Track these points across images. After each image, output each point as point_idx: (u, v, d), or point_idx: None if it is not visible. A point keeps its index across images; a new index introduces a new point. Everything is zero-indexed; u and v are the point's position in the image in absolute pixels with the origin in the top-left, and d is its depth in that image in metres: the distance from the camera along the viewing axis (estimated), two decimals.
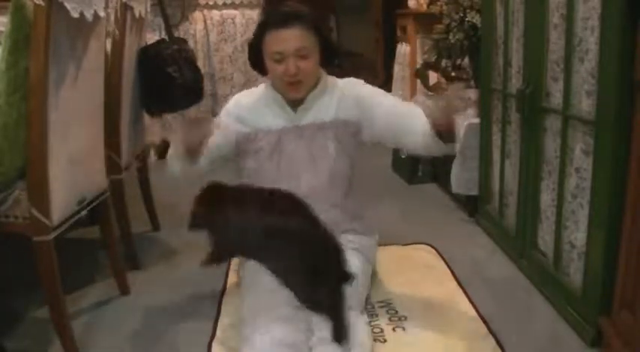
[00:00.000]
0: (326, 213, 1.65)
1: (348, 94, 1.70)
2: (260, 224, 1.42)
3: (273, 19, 1.58)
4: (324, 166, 1.67)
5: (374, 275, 1.92)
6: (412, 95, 3.62)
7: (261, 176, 1.67)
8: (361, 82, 1.77)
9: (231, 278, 1.98)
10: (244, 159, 1.73)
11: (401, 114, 1.69)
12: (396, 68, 4.00)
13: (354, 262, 1.64)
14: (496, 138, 2.32)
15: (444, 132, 1.54)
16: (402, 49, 3.88)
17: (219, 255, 1.54)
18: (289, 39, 1.55)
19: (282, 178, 1.65)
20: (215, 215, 1.45)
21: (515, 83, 2.06)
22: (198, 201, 1.46)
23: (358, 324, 1.46)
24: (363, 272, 1.67)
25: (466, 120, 2.52)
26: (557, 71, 1.76)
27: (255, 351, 1.38)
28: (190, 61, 2.29)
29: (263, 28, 1.60)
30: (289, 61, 1.56)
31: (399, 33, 4.01)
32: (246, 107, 1.72)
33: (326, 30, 1.65)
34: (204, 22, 3.69)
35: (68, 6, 1.39)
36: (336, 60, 1.71)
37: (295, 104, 1.68)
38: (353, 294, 1.54)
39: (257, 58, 1.66)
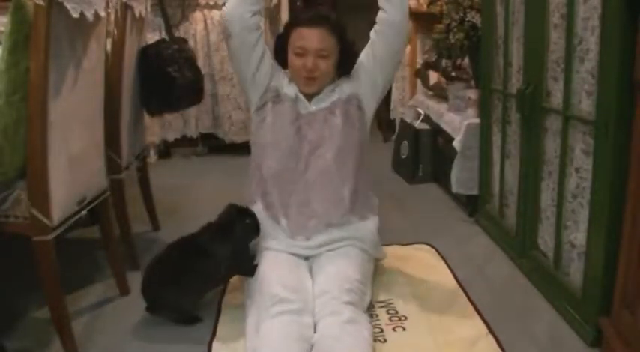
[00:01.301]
0: (333, 205, 1.74)
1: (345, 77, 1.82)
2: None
3: (302, 17, 1.75)
4: (332, 140, 1.75)
5: (374, 275, 1.92)
6: (412, 95, 3.62)
7: (272, 159, 1.76)
8: None
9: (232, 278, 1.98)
10: (257, 124, 1.82)
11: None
12: None
13: (350, 259, 1.66)
14: (496, 138, 2.32)
15: None
16: None
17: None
18: (313, 37, 1.70)
19: (295, 161, 1.74)
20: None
21: (515, 83, 2.06)
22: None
23: (358, 321, 1.47)
24: (362, 267, 1.68)
25: (466, 120, 2.52)
26: (557, 71, 1.76)
27: (264, 341, 1.40)
28: (190, 61, 2.29)
29: (292, 24, 1.76)
30: (309, 58, 1.69)
31: None
32: (278, 71, 1.83)
33: (348, 37, 1.78)
34: (204, 22, 3.69)
35: (68, 6, 1.39)
36: (350, 70, 1.82)
37: (309, 97, 1.79)
38: (353, 290, 1.55)
39: (281, 50, 1.78)
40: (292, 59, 1.74)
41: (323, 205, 1.72)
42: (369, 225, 1.80)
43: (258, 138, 1.82)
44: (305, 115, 1.77)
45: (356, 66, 1.81)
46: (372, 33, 1.79)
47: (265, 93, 1.79)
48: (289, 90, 1.79)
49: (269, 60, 1.79)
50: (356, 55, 1.82)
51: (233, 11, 1.70)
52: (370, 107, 1.84)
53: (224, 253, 1.65)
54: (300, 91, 1.78)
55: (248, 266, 1.69)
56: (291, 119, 1.76)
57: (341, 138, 1.74)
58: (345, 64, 1.80)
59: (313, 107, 1.78)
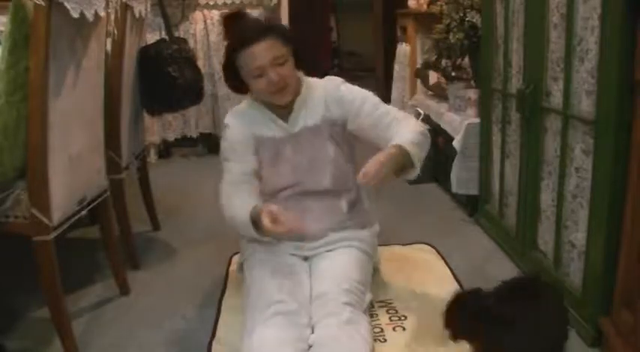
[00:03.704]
0: (330, 213, 1.71)
1: (334, 95, 1.72)
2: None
3: (241, 39, 1.60)
4: (325, 169, 1.70)
5: (374, 275, 1.92)
6: (412, 95, 3.62)
7: (267, 185, 1.71)
8: (340, 80, 1.76)
9: (231, 278, 1.98)
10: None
11: (384, 126, 1.69)
12: (396, 68, 4.00)
13: (349, 259, 1.66)
14: (496, 138, 2.32)
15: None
16: (402, 49, 3.88)
17: None
18: (263, 52, 1.57)
19: (286, 185, 1.70)
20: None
21: (515, 83, 2.06)
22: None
23: (356, 322, 1.47)
24: (361, 267, 1.68)
25: (466, 120, 2.52)
26: (557, 71, 1.76)
27: (256, 346, 1.39)
28: (190, 60, 2.29)
29: (235, 49, 1.61)
30: (270, 72, 1.58)
31: (399, 33, 4.01)
32: (242, 121, 1.73)
33: (291, 34, 1.68)
34: (204, 22, 3.69)
35: (68, 6, 1.39)
36: (309, 62, 1.74)
37: (284, 115, 1.70)
38: (352, 291, 1.55)
39: (236, 80, 1.67)
40: (254, 83, 1.62)
41: (320, 214, 1.71)
42: (368, 232, 1.80)
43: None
44: (287, 139, 1.69)
45: (352, 104, 1.70)
46: (374, 133, 1.68)
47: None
48: (262, 129, 1.70)
49: (253, 156, 1.71)
50: (306, 49, 1.73)
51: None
52: (357, 124, 1.73)
53: None
54: (273, 111, 1.69)
55: None
56: (274, 151, 1.69)
57: (334, 167, 1.70)
58: (302, 61, 1.70)
59: (295, 129, 1.69)
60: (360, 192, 1.80)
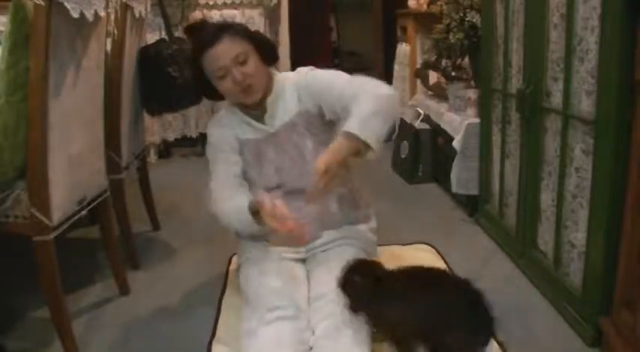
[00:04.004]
0: (320, 213, 1.68)
1: (302, 85, 1.68)
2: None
3: (200, 43, 1.60)
4: (307, 165, 1.65)
5: None
6: (412, 95, 3.62)
7: (253, 188, 1.69)
8: (309, 68, 1.72)
9: (231, 277, 1.98)
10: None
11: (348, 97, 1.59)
12: (396, 68, 4.00)
13: (346, 258, 1.65)
14: (496, 138, 2.32)
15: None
16: (402, 49, 3.88)
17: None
18: (222, 52, 1.57)
19: (271, 186, 1.68)
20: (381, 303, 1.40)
21: (515, 83, 2.06)
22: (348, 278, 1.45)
23: (355, 321, 1.46)
24: None
25: (466, 120, 2.52)
26: (557, 71, 1.76)
27: (257, 347, 1.39)
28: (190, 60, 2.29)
29: (196, 55, 1.61)
30: (232, 71, 1.57)
31: (399, 33, 4.01)
32: (221, 127, 1.73)
33: (253, 31, 1.67)
34: None
35: (68, 6, 1.39)
36: (276, 55, 1.71)
37: (259, 117, 1.68)
38: None
39: (206, 87, 1.66)
40: (220, 85, 1.60)
41: (310, 215, 1.67)
42: (364, 228, 1.78)
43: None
44: (266, 139, 1.67)
45: (319, 86, 1.64)
46: (338, 107, 1.58)
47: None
48: (240, 131, 1.69)
49: (238, 159, 1.71)
50: (271, 43, 1.71)
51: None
52: (331, 110, 1.66)
53: None
54: (247, 114, 1.68)
55: None
56: (253, 157, 1.69)
57: (315, 161, 1.60)
58: (268, 56, 1.67)
59: (271, 129, 1.67)
60: (351, 185, 1.77)
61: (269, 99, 1.66)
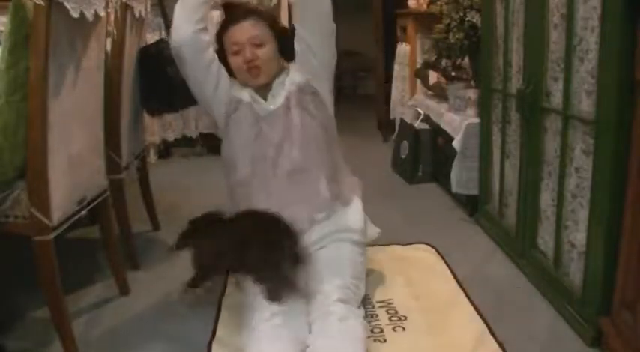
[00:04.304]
0: (311, 196, 1.71)
1: (292, 65, 1.77)
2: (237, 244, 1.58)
3: (227, 19, 1.73)
4: (294, 139, 1.70)
5: (374, 275, 1.92)
6: (412, 95, 3.62)
7: (243, 164, 1.72)
8: None
9: (231, 277, 1.98)
10: (226, 138, 1.77)
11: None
12: (396, 68, 4.00)
13: (341, 254, 1.65)
14: (496, 138, 2.32)
15: None
16: (402, 49, 3.88)
17: (202, 276, 1.64)
18: (242, 30, 1.69)
19: (262, 163, 1.70)
20: (202, 237, 1.62)
21: (515, 83, 2.06)
22: (189, 224, 1.65)
23: (350, 318, 1.47)
24: (354, 261, 1.67)
25: (466, 120, 2.52)
26: (557, 71, 1.76)
27: (256, 343, 1.40)
28: None
29: (222, 30, 1.73)
30: (246, 49, 1.68)
31: (399, 33, 4.01)
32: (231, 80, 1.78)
33: (279, 23, 1.79)
34: None
35: (68, 6, 1.40)
36: (293, 53, 1.75)
37: (264, 95, 1.74)
38: (346, 286, 1.55)
39: (225, 62, 1.74)
40: (232, 60, 1.71)
41: (302, 205, 1.69)
42: (354, 209, 1.77)
43: (224, 154, 1.78)
44: (265, 117, 1.72)
45: (297, 54, 1.75)
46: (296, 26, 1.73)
47: (228, 107, 1.75)
48: (245, 96, 1.74)
49: (225, 73, 1.76)
50: (292, 41, 1.76)
51: (181, 34, 1.68)
52: (324, 87, 1.76)
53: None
54: (256, 92, 1.74)
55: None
56: (249, 124, 1.71)
57: (301, 133, 1.70)
58: (286, 49, 1.75)
59: (271, 106, 1.72)
60: (334, 165, 1.78)
61: (276, 81, 1.74)
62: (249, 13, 1.72)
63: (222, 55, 1.74)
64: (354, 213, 1.77)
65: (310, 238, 1.69)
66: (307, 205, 1.69)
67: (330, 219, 1.71)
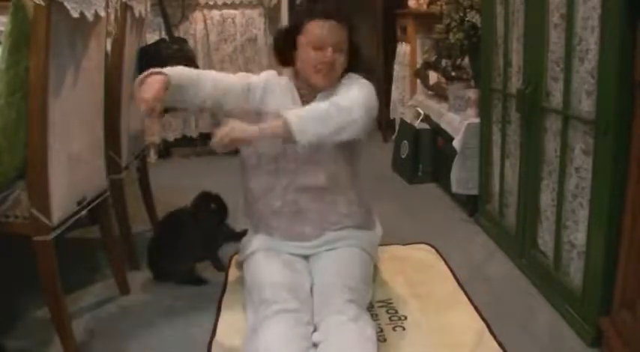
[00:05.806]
0: (327, 214, 1.70)
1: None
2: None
3: (318, 9, 1.63)
4: (322, 163, 1.67)
5: (374, 275, 1.91)
6: (412, 95, 3.62)
7: (264, 174, 1.70)
8: (356, 77, 1.72)
9: (231, 278, 1.98)
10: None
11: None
12: (396, 68, 4.00)
13: (352, 257, 1.66)
14: (496, 138, 2.32)
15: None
16: (402, 48, 3.88)
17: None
18: (333, 29, 1.61)
19: (285, 176, 1.68)
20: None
21: (515, 83, 2.06)
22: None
23: (361, 319, 1.47)
24: (364, 266, 1.68)
25: (466, 120, 2.52)
26: (557, 71, 1.76)
27: (261, 345, 1.40)
28: (190, 60, 2.29)
29: (306, 16, 1.64)
30: (327, 50, 1.60)
31: (399, 33, 4.01)
32: (270, 84, 1.73)
33: (356, 35, 1.71)
34: (204, 21, 3.69)
35: (68, 6, 1.39)
36: (356, 68, 1.73)
37: (308, 98, 1.69)
38: (356, 289, 1.55)
39: (287, 46, 1.67)
40: (307, 52, 1.61)
41: (316, 215, 1.70)
42: (370, 233, 1.80)
43: (244, 153, 1.74)
44: None
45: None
46: None
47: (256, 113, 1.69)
48: (285, 92, 1.69)
49: (253, 84, 1.72)
50: (361, 57, 1.74)
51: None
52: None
53: (195, 236, 1.93)
54: (299, 91, 1.69)
55: (214, 254, 2.03)
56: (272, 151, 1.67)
57: (333, 162, 1.67)
58: (353, 62, 1.70)
59: None
60: (359, 193, 1.78)
61: (322, 93, 1.67)
62: (341, 12, 1.63)
63: (292, 37, 1.65)
64: (367, 234, 1.78)
65: (320, 240, 1.70)
66: (322, 217, 1.70)
67: (343, 230, 1.72)
